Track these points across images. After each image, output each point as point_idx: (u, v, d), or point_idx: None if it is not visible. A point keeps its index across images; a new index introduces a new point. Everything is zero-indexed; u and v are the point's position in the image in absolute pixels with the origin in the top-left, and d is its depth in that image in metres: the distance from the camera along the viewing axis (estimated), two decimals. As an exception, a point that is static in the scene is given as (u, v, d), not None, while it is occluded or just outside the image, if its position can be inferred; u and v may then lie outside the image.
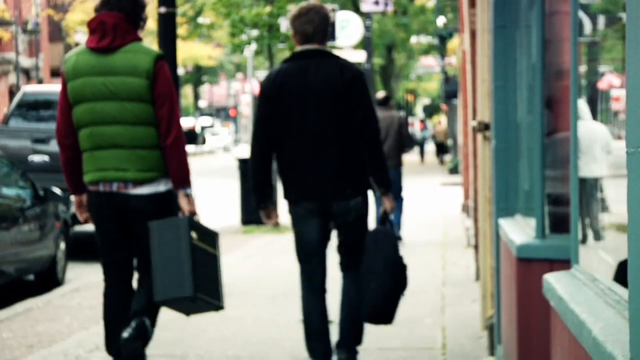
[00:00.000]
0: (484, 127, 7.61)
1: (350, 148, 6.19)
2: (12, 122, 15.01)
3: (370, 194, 6.47)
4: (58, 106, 6.18)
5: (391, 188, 6.42)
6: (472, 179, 11.19)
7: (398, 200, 14.43)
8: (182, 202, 6.08)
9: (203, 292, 5.96)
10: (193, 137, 53.25)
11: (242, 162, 17.72)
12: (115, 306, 6.25)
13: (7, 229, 10.43)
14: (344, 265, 6.58)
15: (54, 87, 18.76)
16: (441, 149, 49.51)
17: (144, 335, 6.04)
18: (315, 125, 6.18)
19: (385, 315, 6.44)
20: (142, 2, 6.13)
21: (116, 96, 5.99)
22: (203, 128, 67.09)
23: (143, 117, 5.99)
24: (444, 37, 41.66)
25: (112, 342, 6.22)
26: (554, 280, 4.17)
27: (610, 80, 3.90)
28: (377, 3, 27.21)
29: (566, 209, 4.68)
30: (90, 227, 16.07)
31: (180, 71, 56.11)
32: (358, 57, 30.71)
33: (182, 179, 6.01)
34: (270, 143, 6.26)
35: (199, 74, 70.07)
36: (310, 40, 6.23)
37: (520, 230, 5.86)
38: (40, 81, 39.40)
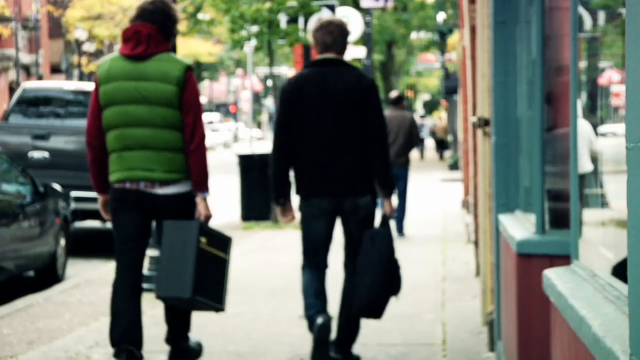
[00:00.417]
0: (484, 122, 7.61)
1: (362, 150, 6.62)
2: (12, 118, 15.01)
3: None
4: (89, 109, 6.50)
5: (392, 192, 6.75)
6: (472, 175, 11.19)
7: (403, 197, 14.70)
8: (200, 206, 6.41)
9: (202, 294, 6.25)
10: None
11: (242, 158, 17.72)
12: (123, 297, 6.45)
13: (7, 225, 10.44)
14: (347, 264, 6.88)
15: (53, 84, 18.77)
16: (441, 145, 49.56)
17: (185, 353, 6.58)
18: (332, 127, 6.61)
19: (375, 311, 6.70)
20: (174, 17, 6.55)
21: (147, 100, 6.36)
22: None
23: (171, 121, 6.36)
24: (444, 33, 41.64)
25: (114, 331, 6.44)
26: (554, 275, 4.17)
27: (610, 76, 3.90)
28: (377, -1, 27.22)
29: (566, 205, 4.68)
30: (89, 224, 16.09)
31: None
32: (358, 53, 30.70)
33: (202, 183, 6.36)
34: (290, 143, 6.68)
35: (199, 70, 70.10)
36: (329, 49, 6.74)
37: (520, 226, 5.86)
38: (40, 77, 39.40)
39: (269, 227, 16.87)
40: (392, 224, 6.95)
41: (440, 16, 41.12)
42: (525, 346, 5.43)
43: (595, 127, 4.15)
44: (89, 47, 43.55)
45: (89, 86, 16.70)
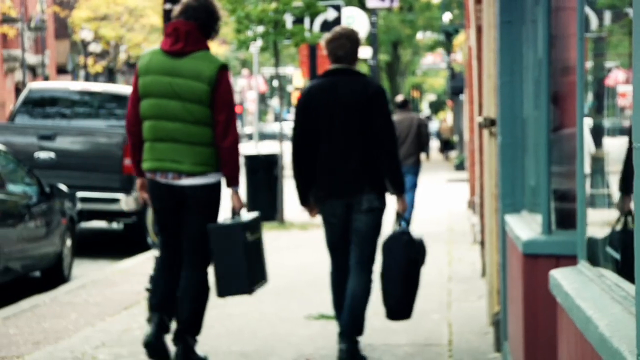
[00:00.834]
0: (490, 123, 7.60)
1: (370, 152, 7.01)
2: (18, 119, 15.02)
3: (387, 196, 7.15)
4: (130, 98, 6.85)
5: (404, 191, 7.11)
6: (478, 175, 11.18)
7: (411, 196, 14.94)
8: (233, 199, 6.81)
9: (256, 282, 6.85)
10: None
11: (248, 159, 17.72)
12: (160, 274, 6.95)
13: (13, 225, 10.44)
14: (354, 258, 7.14)
15: (59, 84, 18.77)
16: (446, 146, 49.63)
17: (190, 353, 6.81)
18: (341, 132, 7.02)
19: (402, 313, 7.16)
20: (216, 15, 6.79)
21: (179, 96, 6.63)
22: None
23: (201, 118, 6.63)
24: (449, 33, 41.62)
25: (153, 298, 6.91)
26: (560, 276, 4.17)
27: (617, 76, 3.89)
28: (382, -1, 27.20)
29: (572, 205, 4.67)
30: (95, 224, 16.10)
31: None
32: (364, 53, 30.67)
33: (234, 178, 6.70)
34: (307, 147, 7.11)
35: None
36: (340, 61, 7.15)
37: (526, 226, 5.85)
38: (46, 78, 39.43)
39: (274, 227, 16.87)
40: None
41: (446, 16, 41.10)
42: (532, 347, 5.42)
43: (600, 127, 4.14)
44: (95, 47, 43.59)
45: (95, 87, 16.72)
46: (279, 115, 19.40)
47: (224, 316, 8.78)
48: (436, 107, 79.75)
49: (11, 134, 14.31)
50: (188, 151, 6.64)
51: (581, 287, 3.83)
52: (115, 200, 14.09)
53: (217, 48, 54.84)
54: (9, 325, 8.57)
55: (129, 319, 8.76)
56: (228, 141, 6.62)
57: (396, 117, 14.83)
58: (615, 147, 3.82)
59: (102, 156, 14.18)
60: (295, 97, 76.50)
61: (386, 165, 6.99)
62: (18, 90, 37.27)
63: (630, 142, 2.49)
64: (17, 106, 15.24)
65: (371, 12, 29.22)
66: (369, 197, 7.01)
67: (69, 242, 11.82)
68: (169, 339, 6.88)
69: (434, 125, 56.38)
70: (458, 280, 10.83)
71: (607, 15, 4.09)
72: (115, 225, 16.19)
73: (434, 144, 54.84)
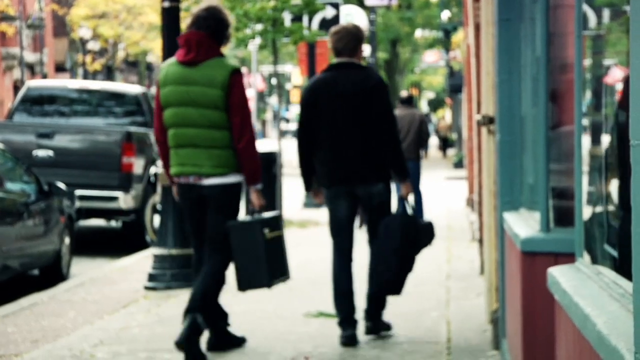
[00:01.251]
0: (488, 120, 7.61)
1: (371, 142, 7.37)
2: (17, 117, 15.01)
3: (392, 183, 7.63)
4: (154, 110, 7.29)
5: (407, 176, 7.54)
6: (476, 173, 11.18)
7: (416, 193, 15.07)
8: (253, 197, 7.17)
9: (276, 277, 7.19)
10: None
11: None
12: (197, 267, 7.30)
13: (11, 224, 10.44)
14: (370, 242, 7.63)
15: (58, 82, 18.77)
16: (445, 144, 49.72)
17: (197, 331, 6.98)
18: (342, 123, 7.38)
19: (392, 290, 7.55)
20: (225, 22, 7.14)
21: (196, 103, 7.00)
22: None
23: (218, 122, 6.99)
24: (448, 31, 41.62)
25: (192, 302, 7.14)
26: (558, 273, 4.17)
27: (614, 74, 3.89)
28: (381, -3, 27.21)
29: (571, 203, 4.67)
30: (94, 223, 16.10)
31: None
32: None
33: (253, 176, 7.05)
34: (310, 138, 7.52)
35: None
36: (340, 54, 7.53)
37: (524, 224, 5.85)
38: (44, 76, 39.42)
39: (273, 225, 16.85)
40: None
41: (445, 14, 41.08)
42: (530, 344, 5.43)
43: (599, 125, 4.13)
44: (93, 45, 43.56)
45: (94, 85, 16.71)
46: (278, 113, 19.39)
47: (222, 314, 8.78)
48: (435, 105, 79.74)
49: (9, 132, 14.31)
50: (207, 155, 7.00)
51: (579, 285, 3.83)
52: (114, 199, 14.09)
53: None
54: (8, 324, 8.57)
55: (127, 317, 8.76)
56: (244, 142, 6.95)
57: (398, 112, 14.98)
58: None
59: (100, 154, 14.18)
60: (294, 94, 76.53)
61: (388, 152, 7.38)
62: (16, 88, 37.25)
63: (628, 140, 2.49)
64: (15, 104, 15.23)
65: (370, 9, 29.21)
66: (376, 189, 7.42)
67: (67, 240, 11.82)
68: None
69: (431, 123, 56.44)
70: (457, 277, 10.83)
71: (606, 13, 4.09)
72: (113, 223, 16.19)
73: (433, 141, 54.86)
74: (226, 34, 7.16)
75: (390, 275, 7.43)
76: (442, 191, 25.11)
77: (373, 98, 7.36)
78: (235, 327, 8.25)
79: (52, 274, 11.48)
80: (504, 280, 6.73)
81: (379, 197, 7.45)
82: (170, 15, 10.49)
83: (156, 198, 13.74)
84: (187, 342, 6.89)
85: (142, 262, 12.22)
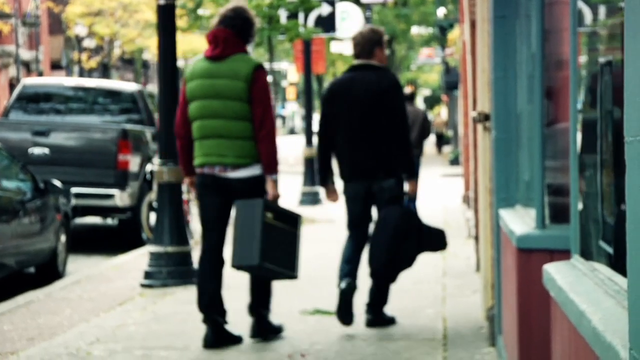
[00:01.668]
0: (484, 117, 7.61)
1: (382, 141, 7.78)
2: (12, 114, 14.99)
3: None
4: (179, 104, 7.60)
5: (413, 174, 7.95)
6: (472, 170, 11.19)
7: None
8: (269, 186, 7.39)
9: (270, 262, 7.27)
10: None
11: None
12: (204, 275, 7.49)
13: (7, 221, 10.43)
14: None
15: (54, 80, 18.74)
16: (440, 140, 49.84)
17: (265, 324, 7.54)
18: (357, 122, 7.82)
19: (385, 276, 7.86)
20: (251, 21, 7.50)
21: (221, 96, 7.33)
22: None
23: (241, 114, 7.30)
24: (444, 28, 41.60)
25: (200, 303, 7.46)
26: (554, 270, 4.17)
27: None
28: (377, -6, 27.19)
29: (566, 199, 4.67)
30: (90, 220, 16.09)
31: (181, 63, 56.06)
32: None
33: (271, 166, 7.32)
34: (329, 136, 7.99)
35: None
36: (357, 57, 8.04)
37: (520, 221, 5.85)
38: (40, 74, 39.37)
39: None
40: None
41: (441, 11, 41.04)
42: (526, 341, 5.43)
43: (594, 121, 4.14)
44: (89, 43, 43.52)
45: (89, 82, 16.70)
46: (275, 112, 19.38)
47: (218, 311, 8.77)
48: (431, 102, 79.73)
49: (5, 130, 14.29)
50: (231, 145, 7.30)
51: (575, 281, 3.84)
52: (110, 196, 14.08)
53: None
54: (4, 322, 8.56)
55: (123, 315, 8.75)
56: (263, 133, 7.27)
57: None
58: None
59: (96, 152, 14.17)
60: (290, 92, 76.44)
61: (397, 151, 7.78)
62: (12, 86, 37.21)
63: (622, 137, 2.49)
64: (11, 102, 15.21)
65: (365, 7, 29.18)
66: (388, 184, 7.80)
67: (63, 238, 11.81)
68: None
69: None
70: (452, 275, 10.83)
71: (602, 10, 4.09)
72: (109, 221, 16.18)
73: (430, 138, 54.88)
74: (251, 32, 7.51)
75: (378, 265, 7.76)
76: (438, 188, 25.11)
77: (384, 99, 7.79)
78: (232, 324, 8.26)
79: (48, 271, 11.47)
80: (500, 277, 6.73)
81: (389, 192, 7.81)
82: (165, 13, 10.48)
83: (152, 195, 13.74)
84: (257, 336, 7.49)
85: (138, 259, 12.22)
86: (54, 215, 11.60)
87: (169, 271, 10.28)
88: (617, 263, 3.43)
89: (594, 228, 3.97)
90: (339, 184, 8.08)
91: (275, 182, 7.37)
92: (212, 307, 7.40)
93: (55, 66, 44.79)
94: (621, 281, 3.29)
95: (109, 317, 8.69)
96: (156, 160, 10.86)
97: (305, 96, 21.56)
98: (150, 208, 14.10)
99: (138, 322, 8.38)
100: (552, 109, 5.49)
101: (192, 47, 49.85)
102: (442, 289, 9.89)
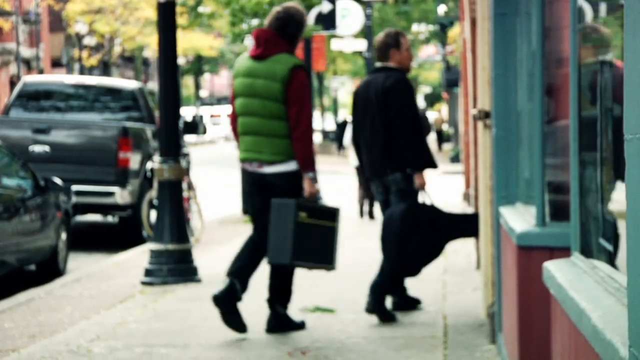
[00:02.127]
0: (484, 115, 7.61)
1: (390, 137, 8.14)
2: (13, 112, 15.00)
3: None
4: (230, 98, 7.98)
5: (419, 168, 8.18)
6: (473, 168, 11.19)
7: None
8: (305, 184, 7.62)
9: (303, 259, 7.63)
10: (194, 127, 53.01)
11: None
12: (249, 249, 7.78)
13: (8, 219, 10.44)
14: None
15: (54, 78, 18.75)
16: (440, 137, 49.88)
17: (281, 320, 7.76)
18: (368, 121, 8.24)
19: (404, 270, 8.22)
20: (295, 21, 7.66)
21: (258, 95, 7.59)
22: (200, 118, 66.93)
23: (277, 113, 7.56)
24: (444, 26, 41.60)
25: (232, 265, 7.72)
26: (554, 268, 4.17)
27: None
28: (377, -8, 27.18)
29: (566, 197, 4.68)
30: (90, 218, 16.10)
31: (181, 61, 56.03)
32: (359, 46, 30.64)
33: (306, 164, 7.55)
34: (356, 134, 8.53)
35: (199, 64, 70.06)
36: (378, 60, 8.49)
37: (520, 218, 5.86)
38: (41, 71, 39.37)
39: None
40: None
41: (441, 8, 41.06)
42: (526, 338, 5.44)
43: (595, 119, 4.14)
44: (89, 40, 43.52)
45: (90, 80, 16.70)
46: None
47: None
48: (431, 99, 79.71)
49: (6, 128, 14.29)
50: (267, 142, 7.57)
51: (575, 279, 3.84)
52: (110, 194, 14.08)
53: (212, 41, 54.86)
54: (5, 319, 8.57)
55: (123, 312, 8.76)
56: (298, 132, 7.50)
57: None
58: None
59: (97, 149, 14.17)
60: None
61: (402, 147, 8.09)
62: (12, 83, 37.22)
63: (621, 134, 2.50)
64: (11, 99, 15.21)
65: (366, 4, 29.18)
66: (393, 178, 8.14)
67: (64, 236, 11.82)
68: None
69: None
70: (453, 272, 10.84)
71: (603, 7, 4.09)
72: (110, 218, 16.18)
73: (430, 136, 54.86)
74: (295, 32, 7.68)
75: (392, 260, 8.06)
76: (439, 186, 25.11)
77: (388, 97, 8.14)
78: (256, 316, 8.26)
79: (48, 269, 11.48)
80: (500, 274, 6.74)
81: (396, 185, 8.17)
82: (166, 11, 10.48)
83: (153, 193, 13.74)
84: (275, 330, 7.68)
85: (138, 257, 12.23)
86: (55, 213, 11.61)
87: (170, 269, 10.29)
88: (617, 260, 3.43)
89: (593, 225, 3.97)
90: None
91: (311, 179, 7.60)
92: (236, 274, 7.62)
93: (56, 64, 44.81)
94: (621, 279, 3.29)
95: (109, 314, 8.70)
96: (156, 157, 10.86)
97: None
98: (151, 206, 14.10)
99: (138, 320, 8.39)
100: (552, 107, 5.49)
101: (193, 44, 49.88)
102: (442, 287, 9.90)
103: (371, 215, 17.14)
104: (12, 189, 10.91)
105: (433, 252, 8.16)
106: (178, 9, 11.64)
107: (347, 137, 15.74)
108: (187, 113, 52.96)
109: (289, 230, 7.53)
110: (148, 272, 10.36)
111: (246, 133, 7.68)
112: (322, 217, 7.71)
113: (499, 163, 6.68)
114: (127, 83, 16.66)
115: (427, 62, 61.32)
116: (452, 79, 38.32)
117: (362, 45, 30.30)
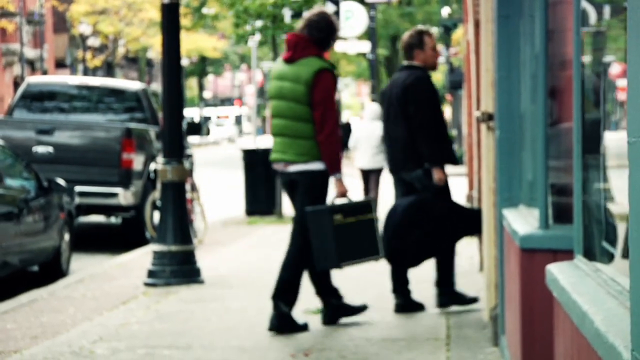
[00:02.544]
0: (487, 117, 7.60)
1: (410, 134, 8.43)
2: (17, 113, 15.01)
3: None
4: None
5: (437, 163, 8.41)
6: (476, 170, 11.18)
7: None
8: (335, 185, 7.87)
9: (350, 258, 7.84)
10: (197, 128, 53.01)
11: (247, 153, 17.70)
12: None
13: (11, 220, 10.44)
14: None
15: (58, 78, 18.76)
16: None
17: (284, 319, 7.83)
18: (392, 120, 8.59)
19: (400, 262, 8.50)
20: (326, 26, 7.87)
21: (285, 97, 7.85)
22: (207, 119, 66.99)
23: (302, 116, 7.79)
24: (448, 28, 41.60)
25: (276, 286, 7.98)
26: (557, 270, 4.17)
27: (611, 70, 3.88)
28: (381, -7, 27.18)
29: (569, 199, 4.67)
30: (93, 219, 16.10)
31: (185, 62, 56.04)
32: (362, 47, 30.64)
33: (333, 166, 7.78)
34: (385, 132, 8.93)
35: (203, 65, 70.06)
36: (404, 59, 8.79)
37: (523, 221, 5.85)
38: (44, 72, 39.40)
39: (273, 221, 16.87)
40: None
41: (445, 10, 41.06)
42: (529, 341, 5.43)
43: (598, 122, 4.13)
44: (93, 41, 43.56)
45: (93, 81, 16.70)
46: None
47: (221, 311, 8.78)
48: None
49: (9, 129, 14.30)
50: (292, 144, 7.82)
51: (577, 282, 3.83)
52: (114, 195, 14.09)
53: (216, 42, 54.86)
54: (7, 320, 8.57)
55: (126, 314, 8.76)
56: (323, 135, 7.72)
57: None
58: (612, 141, 3.82)
59: (100, 150, 14.18)
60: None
61: (419, 144, 8.35)
62: (16, 84, 37.24)
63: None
64: (15, 100, 15.22)
65: (370, 6, 29.19)
66: (415, 174, 8.41)
67: (67, 237, 11.82)
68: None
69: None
70: (456, 274, 10.81)
71: (607, 10, 4.09)
72: (113, 219, 16.19)
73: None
74: (325, 36, 7.90)
75: (388, 251, 8.27)
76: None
77: (407, 94, 8.43)
78: (234, 324, 8.26)
79: (51, 270, 11.48)
80: (503, 277, 6.73)
81: (419, 182, 8.43)
82: (170, 12, 10.48)
83: (156, 194, 13.74)
84: (277, 329, 7.74)
85: (141, 258, 12.22)
86: (58, 214, 11.61)
87: (173, 270, 10.29)
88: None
89: (597, 228, 3.97)
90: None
91: (339, 180, 7.83)
92: (279, 294, 7.87)
93: (60, 65, 44.83)
94: (624, 282, 3.28)
95: (112, 315, 8.69)
96: (160, 159, 10.87)
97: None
98: (154, 207, 14.10)
99: (141, 321, 8.39)
100: (555, 109, 5.49)
101: (197, 45, 49.92)
102: (445, 289, 9.87)
103: None
104: (16, 189, 10.91)
105: (436, 247, 8.45)
106: (182, 10, 11.66)
107: (352, 138, 15.71)
108: (192, 114, 52.89)
109: (329, 235, 7.72)
110: (151, 274, 10.36)
111: (276, 134, 7.97)
112: (357, 213, 7.89)
113: (502, 165, 6.68)
114: (131, 84, 16.67)
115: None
116: (455, 80, 38.31)
117: (365, 47, 30.31)
